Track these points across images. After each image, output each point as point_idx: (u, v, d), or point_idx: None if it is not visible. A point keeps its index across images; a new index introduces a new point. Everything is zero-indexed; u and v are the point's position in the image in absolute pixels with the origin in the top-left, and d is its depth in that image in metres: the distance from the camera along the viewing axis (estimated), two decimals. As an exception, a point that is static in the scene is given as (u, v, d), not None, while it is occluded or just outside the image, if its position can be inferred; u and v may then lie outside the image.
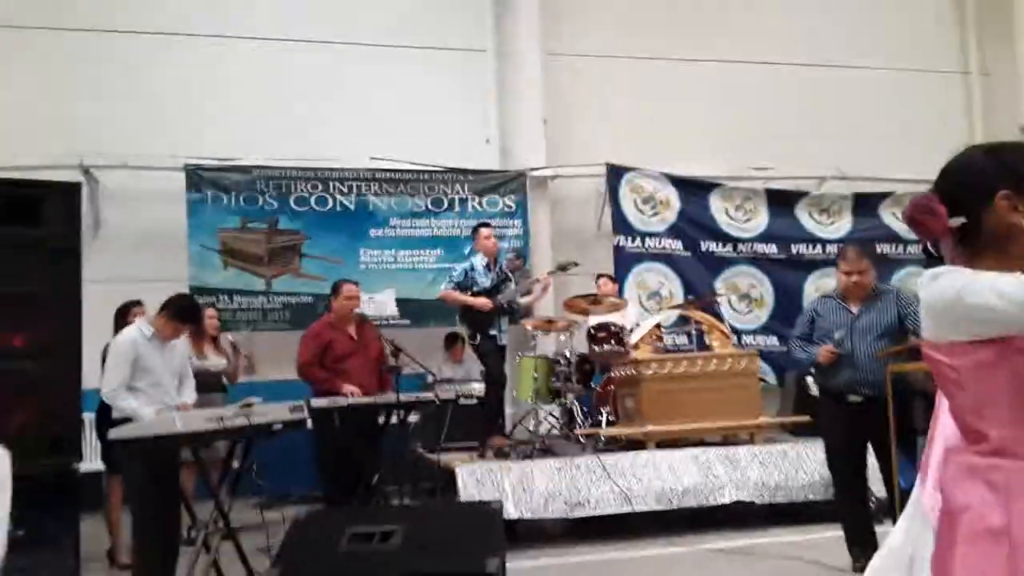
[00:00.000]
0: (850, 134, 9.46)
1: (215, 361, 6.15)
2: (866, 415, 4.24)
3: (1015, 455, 1.43)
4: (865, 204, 9.19)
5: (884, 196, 9.19)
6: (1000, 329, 1.41)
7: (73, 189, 5.39)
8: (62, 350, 5.00)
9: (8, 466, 2.05)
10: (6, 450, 2.09)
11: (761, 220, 9.08)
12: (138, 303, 5.74)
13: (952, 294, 1.46)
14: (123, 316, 5.59)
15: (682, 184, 9.00)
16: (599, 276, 7.71)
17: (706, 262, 8.97)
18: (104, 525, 5.66)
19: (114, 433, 4.21)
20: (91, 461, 6.97)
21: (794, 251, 9.06)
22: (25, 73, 8.04)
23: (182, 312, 4.79)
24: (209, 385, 5.99)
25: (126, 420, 4.43)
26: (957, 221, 1.52)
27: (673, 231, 8.92)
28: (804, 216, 9.14)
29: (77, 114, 7.96)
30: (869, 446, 4.37)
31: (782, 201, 9.11)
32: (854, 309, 4.39)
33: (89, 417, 6.40)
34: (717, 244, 9.01)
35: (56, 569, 4.82)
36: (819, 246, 9.05)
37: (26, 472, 4.76)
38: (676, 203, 8.92)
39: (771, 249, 9.04)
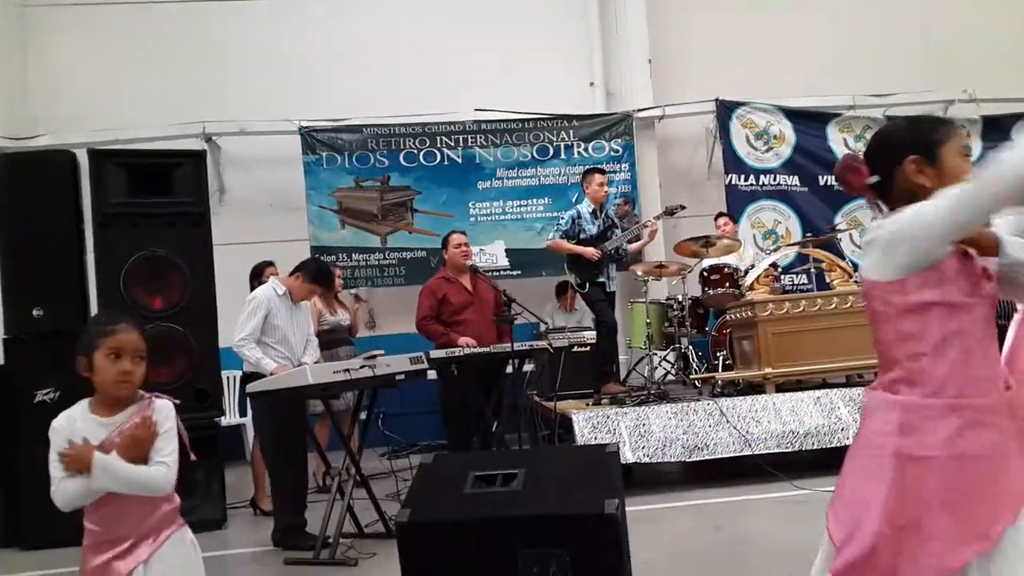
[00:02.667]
0: (978, 53, 8.81)
1: (343, 316, 6.44)
2: None
3: (916, 387, 1.68)
4: (995, 127, 8.57)
5: (1017, 117, 8.55)
6: (934, 242, 1.63)
7: (199, 157, 5.69)
8: (198, 310, 5.35)
9: (174, 416, 2.28)
10: (171, 401, 2.31)
11: (884, 150, 8.61)
12: (271, 263, 6.04)
13: (895, 227, 1.68)
14: (257, 276, 5.89)
15: (797, 116, 8.64)
16: (718, 216, 7.54)
17: (825, 197, 8.63)
18: (245, 475, 6.06)
19: (250, 387, 4.47)
20: (231, 416, 7.49)
21: (920, 180, 8.59)
22: (148, 47, 8.45)
23: (319, 276, 5.01)
24: (340, 339, 6.30)
25: (258, 375, 4.69)
26: (873, 179, 1.80)
27: (789, 166, 8.61)
28: (930, 143, 8.62)
29: (197, 83, 8.33)
30: None
31: (906, 128, 8.60)
32: None
33: (227, 374, 6.85)
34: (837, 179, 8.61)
35: (206, 515, 5.22)
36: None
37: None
38: (791, 136, 8.59)
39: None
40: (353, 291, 7.17)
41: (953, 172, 1.72)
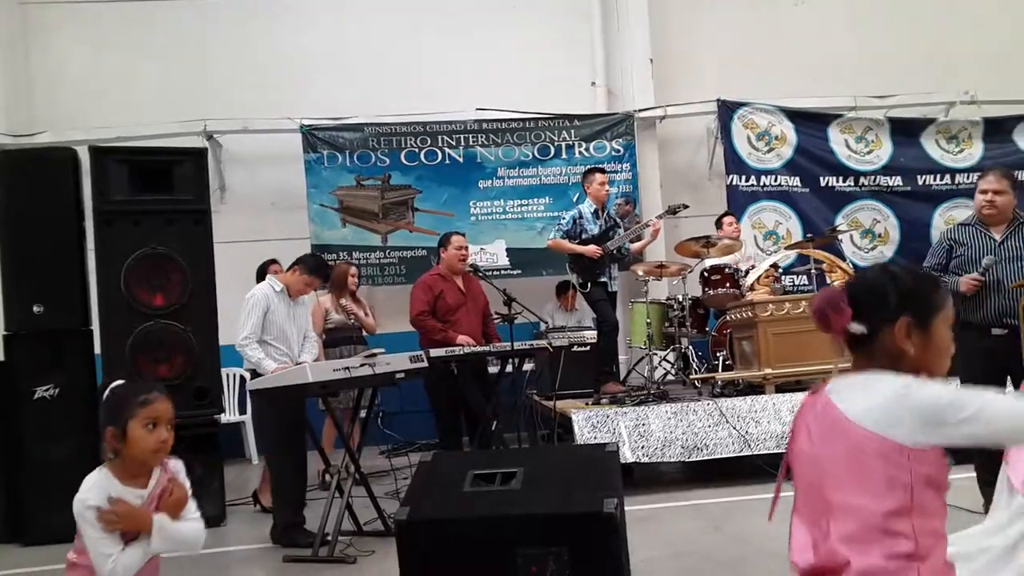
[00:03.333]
0: (979, 55, 8.81)
1: (354, 310, 6.46)
2: (1008, 347, 4.04)
3: None
4: (997, 129, 8.58)
5: (1019, 119, 8.55)
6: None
7: (201, 154, 5.69)
8: (199, 308, 5.35)
9: (184, 471, 2.35)
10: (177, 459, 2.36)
11: (884, 151, 8.63)
12: (275, 261, 6.06)
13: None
14: (263, 274, 5.90)
15: (798, 117, 8.63)
16: (723, 216, 7.54)
17: (826, 198, 8.63)
18: (244, 472, 6.07)
19: (251, 385, 4.48)
20: (231, 414, 7.49)
21: (920, 182, 8.60)
22: (150, 44, 8.44)
23: (317, 268, 5.03)
24: (345, 338, 6.31)
25: (259, 374, 4.69)
26: (857, 328, 1.64)
27: (790, 167, 8.61)
28: (930, 145, 8.63)
29: (199, 81, 8.33)
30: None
31: (906, 130, 8.61)
32: (997, 235, 4.16)
33: (227, 372, 6.85)
34: (837, 178, 8.63)
35: (205, 512, 5.22)
36: (947, 176, 8.55)
37: (175, 422, 5.20)
38: (792, 137, 8.58)
39: (895, 181, 8.60)
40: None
41: (940, 344, 1.63)
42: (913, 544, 1.51)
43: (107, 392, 2.30)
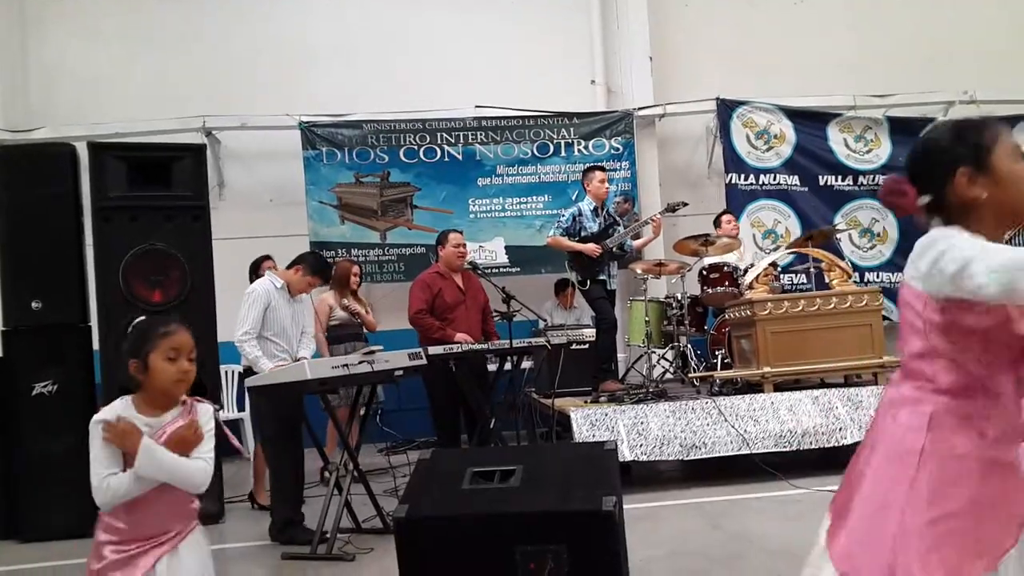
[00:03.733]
0: (979, 55, 8.81)
1: (359, 309, 6.48)
2: None
3: (950, 394, 1.58)
4: (998, 129, 8.58)
5: (1018, 118, 8.54)
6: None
7: (200, 150, 5.68)
8: (197, 304, 5.34)
9: (214, 419, 2.39)
10: (212, 405, 2.41)
11: (883, 150, 8.64)
12: (268, 257, 6.05)
13: (944, 256, 1.53)
14: (256, 270, 5.90)
15: (797, 116, 8.64)
16: (721, 214, 7.54)
17: (825, 197, 8.63)
18: (243, 469, 6.07)
19: (249, 382, 4.47)
20: (229, 410, 7.49)
21: (920, 182, 8.60)
22: (148, 40, 8.43)
23: (319, 268, 5.02)
24: (350, 335, 6.32)
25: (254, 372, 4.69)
26: (924, 199, 1.66)
27: (789, 166, 8.61)
28: (930, 145, 8.62)
29: (197, 77, 8.32)
30: None
31: (906, 130, 8.60)
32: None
33: (226, 369, 6.85)
34: (836, 177, 8.64)
35: (203, 508, 5.22)
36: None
37: (173, 418, 5.20)
38: (791, 136, 8.59)
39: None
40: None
41: (1010, 178, 1.59)
42: (933, 385, 1.60)
43: (131, 327, 2.39)
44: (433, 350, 5.20)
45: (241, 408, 7.51)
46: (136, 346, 2.28)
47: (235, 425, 7.54)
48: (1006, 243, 1.61)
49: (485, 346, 5.50)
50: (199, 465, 2.28)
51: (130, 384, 2.28)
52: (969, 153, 1.60)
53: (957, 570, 1.50)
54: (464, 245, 6.08)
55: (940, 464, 1.56)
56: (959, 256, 1.49)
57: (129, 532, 2.21)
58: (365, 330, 6.56)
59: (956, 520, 1.52)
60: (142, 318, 2.41)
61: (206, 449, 2.32)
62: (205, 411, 2.36)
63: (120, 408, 2.25)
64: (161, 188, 5.37)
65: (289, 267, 5.02)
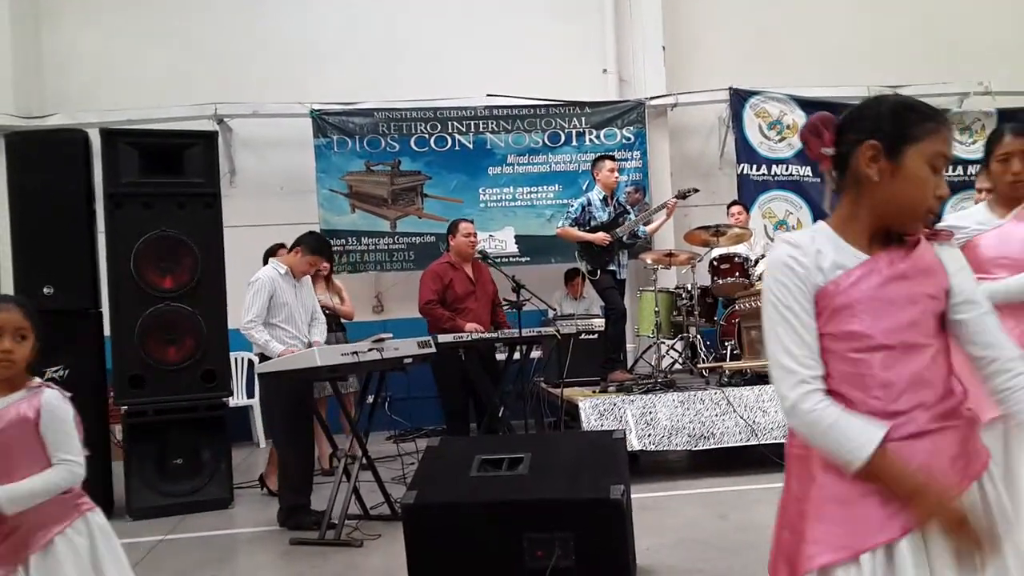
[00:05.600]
0: (994, 46, 8.72)
1: (331, 300, 6.39)
2: None
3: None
4: (1011, 120, 8.43)
5: (1036, 110, 8.48)
6: None
7: (212, 137, 5.70)
8: (208, 291, 5.37)
9: (68, 409, 2.21)
10: (61, 392, 2.23)
11: (897, 142, 8.57)
12: (283, 245, 6.04)
13: None
14: (273, 257, 5.87)
15: (811, 106, 8.55)
16: (731, 204, 7.50)
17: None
18: (252, 455, 6.10)
19: (259, 368, 4.49)
20: (239, 397, 7.52)
21: (933, 173, 8.53)
22: (161, 27, 8.43)
23: (318, 247, 5.04)
24: (332, 325, 6.25)
25: (267, 357, 4.71)
26: (828, 150, 1.58)
27: (801, 156, 8.54)
28: (944, 135, 8.56)
29: (210, 64, 8.32)
30: None
31: (920, 121, 8.53)
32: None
33: (236, 355, 6.85)
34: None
35: (213, 494, 5.26)
36: (959, 167, 8.47)
37: (183, 405, 5.24)
38: (804, 127, 8.53)
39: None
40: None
41: (910, 180, 1.50)
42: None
43: None
44: (443, 338, 5.20)
45: (251, 395, 7.54)
46: None
47: (244, 412, 7.58)
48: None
49: (495, 335, 5.50)
50: (58, 473, 2.12)
51: None
52: (891, 131, 1.51)
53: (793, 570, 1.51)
54: (475, 234, 6.06)
55: (794, 468, 1.60)
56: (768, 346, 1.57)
57: None
58: (342, 320, 6.46)
59: (801, 520, 1.54)
60: None
61: (71, 446, 2.16)
62: (50, 404, 2.16)
63: None
64: (173, 175, 5.39)
65: (290, 251, 5.04)
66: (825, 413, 1.47)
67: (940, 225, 2.64)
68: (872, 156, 1.51)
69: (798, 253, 1.56)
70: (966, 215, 2.86)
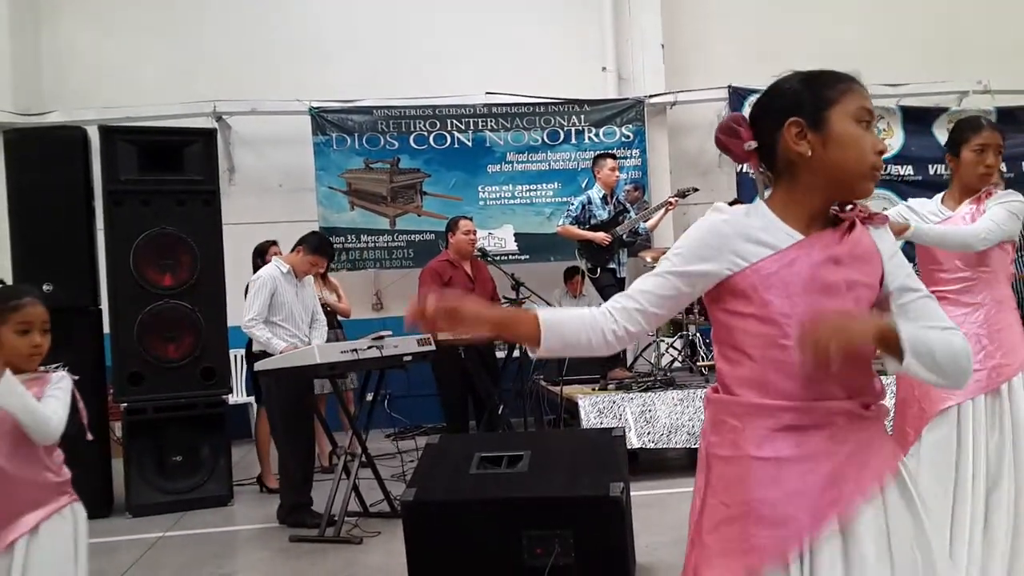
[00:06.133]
0: (994, 44, 8.72)
1: (329, 297, 6.39)
2: None
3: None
4: (1010, 119, 8.48)
5: (1037, 108, 8.48)
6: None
7: (211, 135, 5.69)
8: (207, 289, 5.37)
9: (70, 387, 2.34)
10: (70, 376, 2.36)
11: (895, 140, 8.57)
12: (274, 242, 6.04)
13: None
14: (262, 255, 5.89)
15: (810, 105, 8.57)
16: (731, 203, 7.49)
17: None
18: (251, 452, 6.09)
19: (259, 365, 4.50)
20: (238, 394, 7.51)
21: (932, 172, 8.53)
22: (160, 24, 8.41)
23: (320, 247, 5.04)
24: (331, 322, 6.24)
25: (268, 355, 4.71)
26: (751, 145, 1.50)
27: (802, 156, 8.56)
28: (943, 134, 8.55)
29: (208, 62, 8.31)
30: None
31: (918, 119, 8.55)
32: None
33: (235, 353, 6.84)
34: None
35: (213, 491, 5.27)
36: (961, 167, 8.49)
37: (182, 402, 5.24)
38: (803, 126, 8.54)
39: (907, 170, 8.55)
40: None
41: (844, 142, 1.44)
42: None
43: None
44: (442, 336, 5.20)
45: (250, 392, 7.53)
46: None
47: (243, 409, 7.57)
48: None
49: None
50: (48, 405, 2.19)
51: None
52: (807, 104, 1.46)
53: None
54: (475, 232, 6.06)
55: (719, 467, 1.51)
56: None
57: None
58: (340, 317, 6.45)
59: (727, 526, 1.45)
60: None
61: (60, 408, 2.23)
62: (59, 376, 2.29)
63: None
64: (172, 172, 5.39)
65: (292, 250, 5.04)
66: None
67: (893, 210, 2.63)
68: (798, 133, 1.45)
69: (726, 217, 1.51)
70: (922, 202, 2.88)
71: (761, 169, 1.54)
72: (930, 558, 1.42)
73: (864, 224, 1.51)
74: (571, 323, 1.53)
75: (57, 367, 2.36)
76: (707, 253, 1.50)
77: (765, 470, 1.43)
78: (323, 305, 6.05)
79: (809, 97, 1.47)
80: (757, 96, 1.57)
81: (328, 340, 5.21)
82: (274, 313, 4.84)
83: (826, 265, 1.44)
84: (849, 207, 1.51)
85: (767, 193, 1.55)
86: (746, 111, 1.64)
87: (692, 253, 1.53)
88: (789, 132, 1.45)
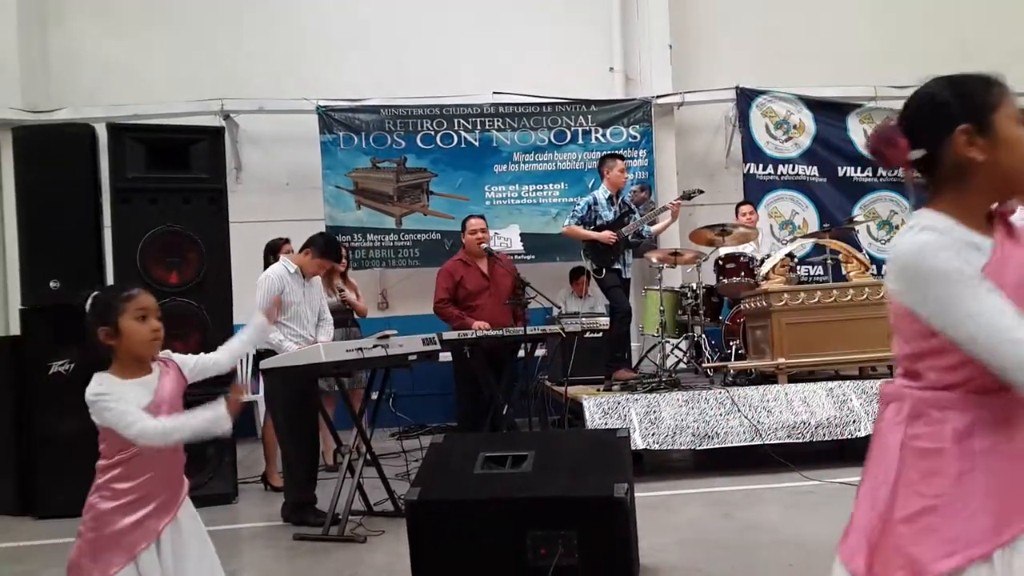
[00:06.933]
0: (1003, 47, 8.67)
1: (348, 295, 6.40)
2: None
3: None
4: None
5: (1046, 112, 8.43)
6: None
7: (218, 133, 5.70)
8: (213, 287, 5.37)
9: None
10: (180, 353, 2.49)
11: (904, 142, 8.55)
12: (287, 240, 6.03)
13: (932, 288, 1.40)
14: (274, 252, 5.88)
15: (817, 106, 8.56)
16: (741, 204, 7.49)
17: (843, 188, 8.57)
18: (256, 450, 6.11)
19: (264, 364, 4.50)
20: (244, 392, 7.52)
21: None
22: (168, 23, 8.45)
23: (327, 250, 5.03)
24: (338, 321, 6.25)
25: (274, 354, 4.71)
26: (917, 154, 1.51)
27: (808, 156, 8.54)
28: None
29: (216, 60, 8.33)
30: None
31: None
32: None
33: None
34: (855, 169, 8.57)
35: (217, 489, 5.27)
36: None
37: (188, 400, 5.23)
38: (811, 127, 8.52)
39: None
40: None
41: (1011, 142, 1.46)
42: (919, 382, 1.52)
43: (90, 300, 2.38)
44: (447, 335, 5.21)
45: (255, 391, 7.55)
46: (102, 314, 2.30)
47: (249, 407, 7.58)
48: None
49: (499, 332, 5.50)
50: (212, 409, 2.30)
51: (102, 357, 2.29)
52: (972, 111, 1.48)
53: (920, 569, 1.42)
54: (482, 230, 6.06)
55: (916, 459, 1.49)
56: (983, 328, 1.36)
57: (135, 490, 2.23)
58: (356, 315, 6.47)
59: (928, 516, 1.44)
60: (96, 292, 2.41)
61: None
62: (183, 359, 2.42)
63: (104, 383, 2.25)
64: (179, 170, 5.39)
65: (300, 251, 5.04)
66: None
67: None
68: (967, 140, 1.46)
69: (943, 232, 1.46)
70: None
71: (916, 178, 1.55)
72: None
73: (1007, 218, 1.52)
74: None
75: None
76: (963, 261, 1.43)
77: (972, 463, 1.43)
78: (342, 303, 6.09)
79: (972, 103, 1.49)
80: (906, 104, 1.57)
81: (344, 339, 5.21)
82: (281, 312, 4.84)
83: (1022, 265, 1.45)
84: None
85: (916, 204, 1.57)
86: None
87: (964, 264, 1.42)
88: (959, 140, 1.47)
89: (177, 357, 2.41)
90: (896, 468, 1.50)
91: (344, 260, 6.56)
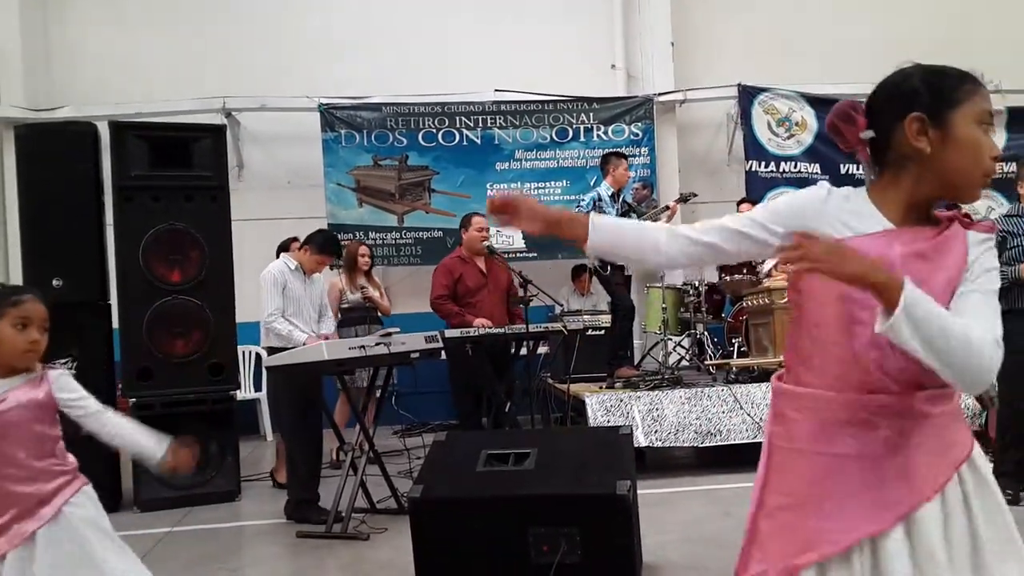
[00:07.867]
0: (1005, 43, 8.66)
1: (372, 293, 6.44)
2: None
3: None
4: (1021, 118, 8.45)
5: (1047, 108, 8.42)
6: None
7: (220, 131, 5.70)
8: (215, 285, 5.38)
9: (74, 381, 2.39)
10: (63, 368, 2.39)
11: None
12: (296, 239, 6.06)
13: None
14: (286, 251, 5.89)
15: (820, 103, 8.54)
16: (742, 202, 7.49)
17: (846, 186, 8.54)
18: (259, 448, 6.11)
19: (267, 361, 4.51)
20: (246, 391, 7.54)
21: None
22: (170, 20, 8.44)
23: (326, 246, 5.05)
24: (360, 318, 6.28)
25: (282, 351, 4.72)
26: (868, 134, 1.49)
27: (810, 153, 8.53)
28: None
29: (218, 58, 8.33)
30: None
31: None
32: None
33: (243, 349, 6.87)
34: (857, 166, 8.49)
35: (220, 487, 5.28)
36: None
37: (190, 398, 5.25)
38: (813, 124, 8.50)
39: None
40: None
41: (964, 144, 1.41)
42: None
43: None
44: (448, 333, 5.21)
45: (258, 389, 7.56)
46: None
47: (251, 405, 7.60)
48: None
49: (502, 329, 5.50)
50: (96, 407, 2.32)
51: None
52: (931, 100, 1.44)
53: (778, 562, 1.45)
54: (487, 229, 6.08)
55: (775, 456, 1.56)
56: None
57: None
58: (380, 314, 6.52)
59: (783, 513, 1.48)
60: None
61: (94, 405, 2.33)
62: (60, 379, 2.29)
63: None
64: (181, 168, 5.39)
65: (300, 248, 5.07)
66: None
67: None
68: (919, 128, 1.43)
69: (827, 195, 1.51)
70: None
71: (867, 161, 1.53)
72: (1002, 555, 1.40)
73: (966, 229, 1.46)
74: (625, 225, 1.71)
75: (65, 361, 2.39)
76: (802, 218, 1.49)
77: (823, 464, 1.45)
78: (365, 300, 6.13)
79: (934, 94, 1.45)
80: (882, 83, 1.53)
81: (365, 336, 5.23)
82: (284, 307, 4.88)
83: (908, 258, 1.40)
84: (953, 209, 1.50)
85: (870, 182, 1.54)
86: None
87: (789, 211, 1.53)
88: (910, 126, 1.43)
89: (62, 379, 2.29)
90: (764, 465, 1.59)
91: (367, 259, 6.60)
